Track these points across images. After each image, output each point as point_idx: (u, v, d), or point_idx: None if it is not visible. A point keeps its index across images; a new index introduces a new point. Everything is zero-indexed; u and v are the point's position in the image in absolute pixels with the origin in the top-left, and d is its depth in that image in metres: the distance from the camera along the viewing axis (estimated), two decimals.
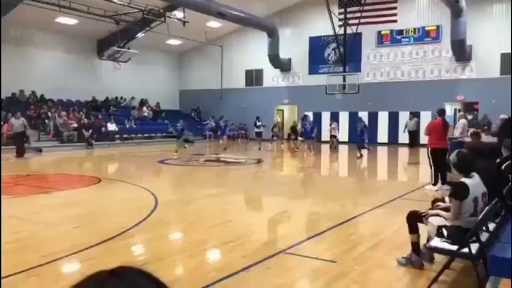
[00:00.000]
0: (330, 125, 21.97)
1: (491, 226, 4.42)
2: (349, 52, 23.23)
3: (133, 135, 24.91)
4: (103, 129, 23.35)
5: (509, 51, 20.86)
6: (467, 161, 4.21)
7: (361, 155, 17.34)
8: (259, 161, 15.63)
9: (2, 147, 15.99)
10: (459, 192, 4.05)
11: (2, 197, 8.15)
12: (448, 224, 4.18)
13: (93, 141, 21.70)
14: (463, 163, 4.18)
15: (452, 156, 4.30)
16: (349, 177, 13.73)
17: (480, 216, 3.98)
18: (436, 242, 4.17)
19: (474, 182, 4.10)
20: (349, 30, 22.76)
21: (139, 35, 24.77)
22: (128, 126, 25.30)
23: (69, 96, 25.05)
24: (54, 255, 4.82)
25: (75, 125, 22.14)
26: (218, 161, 16.07)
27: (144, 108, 28.17)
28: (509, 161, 5.27)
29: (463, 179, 4.12)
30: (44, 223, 6.74)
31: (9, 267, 4.35)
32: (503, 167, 5.25)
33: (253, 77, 29.37)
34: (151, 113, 28.25)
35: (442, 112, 9.82)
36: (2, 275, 4.12)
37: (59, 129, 21.46)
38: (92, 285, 0.69)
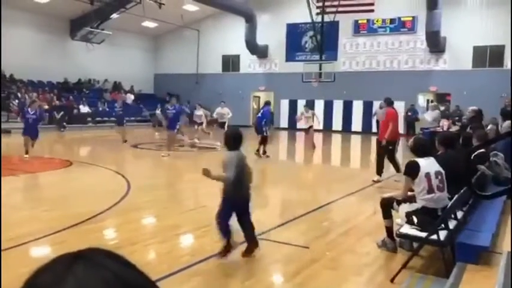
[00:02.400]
0: (302, 113, 16.80)
1: (460, 214, 4.54)
2: (326, 40, 23.29)
3: (106, 119, 24.43)
4: (75, 111, 22.83)
5: (481, 44, 21.35)
6: (422, 145, 4.57)
7: (265, 153, 13.35)
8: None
9: None
10: (409, 169, 4.36)
11: None
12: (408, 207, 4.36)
13: (65, 123, 21.20)
14: (419, 147, 4.52)
15: (410, 142, 4.69)
16: (323, 165, 13.84)
17: (449, 204, 4.09)
18: (406, 229, 4.26)
19: (426, 161, 4.36)
20: (326, 19, 22.78)
21: (114, 16, 24.20)
22: (100, 109, 24.79)
23: (40, 77, 24.34)
24: (22, 239, 4.71)
25: (46, 106, 21.56)
26: (194, 146, 15.95)
27: (129, 95, 27.29)
28: (479, 151, 5.40)
29: (415, 159, 4.39)
30: (13, 206, 6.56)
31: None
32: (472, 157, 5.37)
33: (230, 63, 29.14)
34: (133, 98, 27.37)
35: (392, 102, 9.76)
36: None
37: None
38: (57, 268, 0.65)
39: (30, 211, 6.21)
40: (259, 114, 13.76)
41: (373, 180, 9.02)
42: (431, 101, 22.32)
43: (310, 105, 21.44)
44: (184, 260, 4.34)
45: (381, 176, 9.09)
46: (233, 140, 4.46)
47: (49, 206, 6.50)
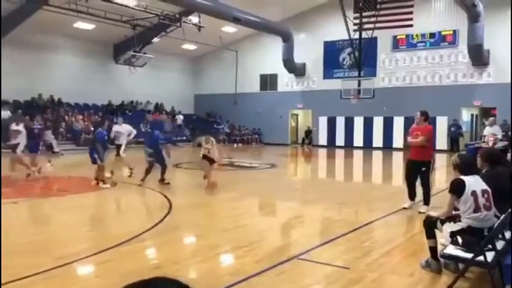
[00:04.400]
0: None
1: (508, 234, 4.36)
2: (364, 57, 23.12)
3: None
4: None
5: None
6: (468, 162, 4.41)
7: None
8: (272, 166, 15.61)
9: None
10: (455, 187, 4.20)
11: (18, 199, 8.31)
12: (455, 227, 4.19)
13: (108, 144, 21.86)
14: (464, 164, 4.35)
15: (454, 158, 4.47)
16: (364, 183, 13.63)
17: (497, 223, 3.94)
18: (451, 250, 4.12)
19: (472, 179, 4.20)
20: (364, 35, 22.66)
21: (155, 39, 25.03)
22: (143, 129, 25.46)
23: (86, 100, 25.39)
24: (70, 258, 4.88)
25: (92, 128, 22.38)
26: (232, 165, 16.10)
27: (181, 116, 28.41)
28: None
29: (461, 176, 4.25)
30: (60, 226, 6.82)
31: (25, 268, 4.41)
32: None
33: (268, 82, 29.41)
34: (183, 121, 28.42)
35: (428, 116, 8.20)
36: (18, 277, 4.19)
37: (75, 132, 21.74)
38: None
39: (76, 230, 6.43)
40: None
41: (404, 207, 7.79)
42: (485, 118, 21.44)
43: (349, 122, 21.14)
44: (224, 280, 4.37)
45: (414, 200, 7.90)
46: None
47: (94, 226, 6.71)
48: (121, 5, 19.45)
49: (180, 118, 28.49)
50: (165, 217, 7.09)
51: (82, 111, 24.25)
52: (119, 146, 12.57)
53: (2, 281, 3.94)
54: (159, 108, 29.17)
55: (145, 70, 26.29)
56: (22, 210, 8.01)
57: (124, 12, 20.93)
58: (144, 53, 25.13)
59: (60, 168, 13.60)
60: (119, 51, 26.35)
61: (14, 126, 11.47)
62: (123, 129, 12.57)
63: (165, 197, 8.86)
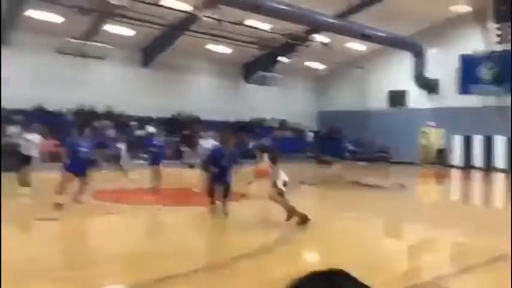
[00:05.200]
0: None
1: None
2: (506, 70, 21.10)
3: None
4: (248, 148, 24.79)
5: None
6: None
7: None
8: (402, 186, 14.98)
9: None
10: None
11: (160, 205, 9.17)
12: None
13: (238, 159, 23.09)
14: None
15: None
16: (506, 209, 12.35)
17: None
18: None
19: None
20: (506, 47, 20.71)
21: (283, 59, 25.83)
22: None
23: (218, 117, 27.12)
24: (198, 264, 5.28)
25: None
26: (358, 184, 15.81)
27: (311, 134, 29.43)
28: None
29: None
30: (188, 234, 7.40)
31: (164, 269, 4.89)
32: None
33: (397, 98, 28.39)
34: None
35: None
36: (153, 277, 4.67)
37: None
38: (317, 281, 0.84)
39: (199, 240, 6.91)
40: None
41: None
42: None
43: (486, 141, 19.25)
44: None
45: None
46: None
47: (219, 236, 7.14)
48: (252, 27, 20.52)
49: (310, 135, 29.04)
50: (290, 231, 7.26)
51: (214, 127, 25.95)
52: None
53: (157, 276, 4.44)
54: (283, 124, 29.92)
55: (272, 88, 27.24)
56: (166, 216, 8.84)
57: (254, 34, 22.07)
58: (273, 72, 26.08)
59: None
60: (249, 71, 27.74)
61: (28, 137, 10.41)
62: (209, 145, 11.79)
63: (291, 212, 9.05)
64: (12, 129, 14.56)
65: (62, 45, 18.20)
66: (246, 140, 23.41)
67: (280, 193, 7.69)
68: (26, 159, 9.96)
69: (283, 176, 7.80)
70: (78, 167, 8.60)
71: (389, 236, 8.04)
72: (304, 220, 7.51)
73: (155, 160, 11.59)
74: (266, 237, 6.65)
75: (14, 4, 17.72)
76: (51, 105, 20.53)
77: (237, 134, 24.84)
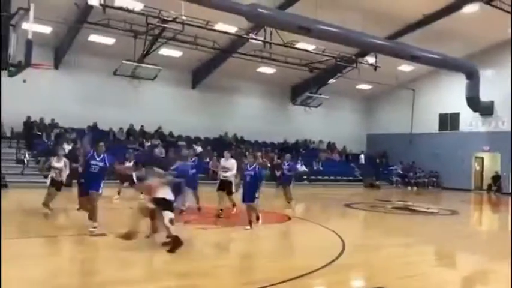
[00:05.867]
0: None
1: None
2: None
3: (320, 177, 25.61)
4: None
5: None
6: None
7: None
8: (453, 213, 14.37)
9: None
10: None
11: (207, 226, 9.25)
12: None
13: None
14: None
15: None
16: None
17: None
18: None
19: None
20: None
21: (331, 81, 25.72)
22: (315, 167, 26.14)
23: (264, 138, 27.24)
24: (254, 285, 5.24)
25: (268, 164, 23.83)
26: (406, 209, 15.32)
27: (361, 156, 29.38)
28: None
29: None
30: (241, 254, 7.39)
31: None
32: None
33: (448, 121, 27.53)
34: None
35: None
36: None
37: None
38: None
39: (256, 260, 6.88)
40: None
41: None
42: None
43: None
44: None
45: None
46: None
47: (272, 257, 7.09)
48: (301, 49, 20.62)
49: (360, 158, 28.84)
50: (339, 255, 7.10)
51: (260, 148, 26.06)
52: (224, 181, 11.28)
53: None
54: (331, 147, 29.62)
55: (319, 110, 27.12)
56: (210, 236, 8.88)
57: (303, 56, 22.15)
58: (320, 94, 25.98)
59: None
60: (296, 92, 27.80)
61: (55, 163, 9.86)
62: (229, 165, 11.38)
63: (337, 235, 8.89)
64: (66, 147, 15.17)
65: (116, 67, 19.01)
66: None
67: (146, 209, 7.06)
68: (57, 185, 9.86)
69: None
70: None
71: (441, 265, 7.68)
72: (128, 236, 6.76)
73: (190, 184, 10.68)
74: (311, 262, 6.52)
75: (71, 28, 18.78)
76: (105, 125, 21.44)
77: (281, 154, 24.87)
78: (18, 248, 6.70)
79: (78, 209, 9.40)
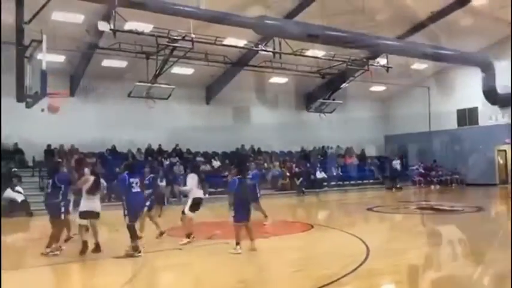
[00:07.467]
0: None
1: None
2: None
3: (340, 182, 25.44)
4: (312, 177, 24.58)
5: None
6: None
7: None
8: (479, 209, 14.09)
9: None
10: None
11: (229, 240, 9.23)
12: None
13: (303, 188, 23.03)
14: None
15: None
16: None
17: None
18: None
19: None
20: None
21: (343, 85, 25.60)
22: (334, 173, 25.99)
23: (282, 148, 27.18)
24: None
25: (288, 173, 23.84)
26: (431, 208, 15.08)
27: (375, 161, 28.90)
28: None
29: None
30: (264, 265, 7.36)
31: None
32: None
33: (466, 116, 27.12)
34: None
35: None
36: None
37: (274, 176, 23.45)
38: None
39: (281, 271, 6.84)
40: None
41: None
42: None
43: None
44: None
45: None
46: None
47: (297, 267, 7.04)
48: (311, 57, 20.60)
49: (375, 162, 28.54)
50: (364, 261, 7.02)
51: (279, 157, 26.07)
52: None
53: None
54: (349, 151, 29.38)
55: (334, 115, 26.96)
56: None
57: (314, 63, 22.13)
58: (334, 100, 25.85)
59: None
60: (310, 100, 27.72)
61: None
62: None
63: (361, 240, 8.79)
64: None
65: (130, 89, 19.28)
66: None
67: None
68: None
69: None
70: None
71: (472, 265, 7.49)
72: (83, 250, 8.07)
73: None
74: (337, 270, 6.47)
75: (84, 55, 19.18)
76: (124, 147, 21.72)
77: (299, 162, 24.78)
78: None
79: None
